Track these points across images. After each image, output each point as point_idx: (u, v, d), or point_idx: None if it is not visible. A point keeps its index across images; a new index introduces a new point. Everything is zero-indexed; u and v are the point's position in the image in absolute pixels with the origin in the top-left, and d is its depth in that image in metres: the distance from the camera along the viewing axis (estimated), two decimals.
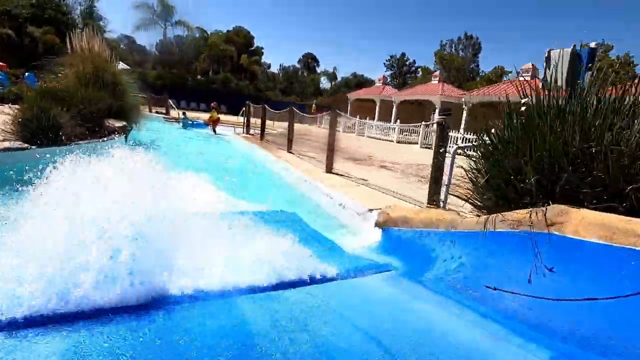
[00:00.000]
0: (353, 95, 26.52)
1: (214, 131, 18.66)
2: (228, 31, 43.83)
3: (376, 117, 23.85)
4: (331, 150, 7.02)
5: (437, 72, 22.11)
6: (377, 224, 4.44)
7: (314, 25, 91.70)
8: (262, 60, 49.31)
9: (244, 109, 14.82)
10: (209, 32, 39.26)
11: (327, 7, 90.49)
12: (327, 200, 5.56)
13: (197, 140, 13.77)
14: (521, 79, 3.37)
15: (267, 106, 12.93)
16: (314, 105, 25.12)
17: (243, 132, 14.74)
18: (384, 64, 57.87)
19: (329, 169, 6.97)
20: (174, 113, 22.53)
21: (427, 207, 4.54)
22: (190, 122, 19.55)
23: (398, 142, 18.58)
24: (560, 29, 63.64)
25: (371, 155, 10.98)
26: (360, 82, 50.58)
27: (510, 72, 27.63)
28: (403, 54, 57.41)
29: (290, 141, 9.77)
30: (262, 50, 47.83)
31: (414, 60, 57.29)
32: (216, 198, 5.54)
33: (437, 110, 19.59)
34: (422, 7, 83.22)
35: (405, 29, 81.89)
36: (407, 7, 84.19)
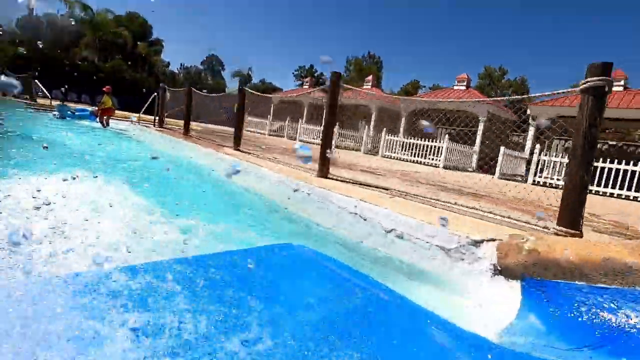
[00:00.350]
0: (277, 96, 24.31)
1: (106, 124, 14.29)
2: (120, 15, 37.11)
3: (304, 120, 22.07)
4: (325, 148, 4.77)
5: (370, 77, 21.47)
6: (501, 269, 2.43)
7: (220, 27, 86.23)
8: (161, 57, 43.29)
9: (154, 95, 11.29)
10: (94, 10, 32.33)
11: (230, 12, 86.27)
12: (362, 226, 3.30)
13: (87, 136, 9.83)
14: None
15: (195, 90, 9.85)
16: (236, 105, 22.02)
17: (154, 126, 11.19)
18: (293, 74, 57.48)
19: (325, 173, 4.70)
20: (44, 102, 16.98)
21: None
22: (71, 111, 14.76)
23: (336, 146, 17.03)
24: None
25: (342, 160, 8.96)
26: (269, 89, 48.69)
27: (425, 86, 29.08)
28: (312, 65, 57.91)
29: (238, 136, 7.13)
30: (163, 43, 41.99)
31: (322, 72, 58.22)
32: (153, 224, 2.85)
33: (373, 115, 18.71)
34: (330, 27, 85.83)
35: (312, 44, 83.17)
36: (315, 24, 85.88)
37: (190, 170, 6.32)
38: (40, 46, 29.80)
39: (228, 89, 51.03)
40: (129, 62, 34.53)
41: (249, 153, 6.67)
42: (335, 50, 71.32)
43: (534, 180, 10.85)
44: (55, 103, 14.47)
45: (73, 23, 31.64)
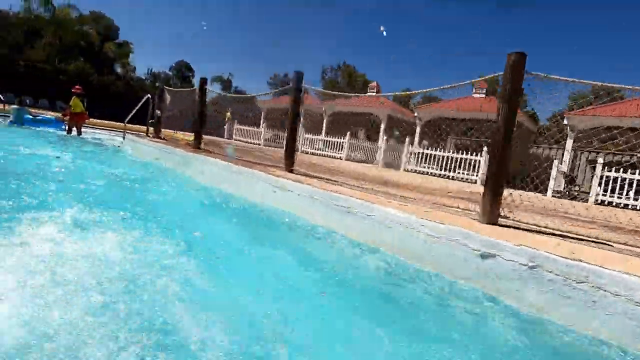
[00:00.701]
0: (265, 104, 22.17)
1: (77, 132, 11.68)
2: (84, 15, 33.58)
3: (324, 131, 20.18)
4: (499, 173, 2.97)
5: (375, 84, 19.98)
6: None
7: (190, 33, 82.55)
8: (129, 61, 39.83)
9: (147, 97, 9.01)
10: (55, 5, 28.84)
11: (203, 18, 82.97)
12: None
13: (59, 147, 7.43)
14: None
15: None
16: (228, 114, 19.77)
17: (148, 137, 8.90)
18: (268, 82, 55.65)
19: (494, 217, 2.90)
20: None
21: None
22: (32, 116, 12.09)
23: (328, 156, 15.47)
24: None
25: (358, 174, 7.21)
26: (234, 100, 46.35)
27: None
28: (286, 74, 56.44)
29: (291, 154, 5.18)
30: (132, 46, 38.64)
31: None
32: None
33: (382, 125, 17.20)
34: (305, 37, 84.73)
35: (286, 52, 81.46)
36: (291, 32, 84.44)
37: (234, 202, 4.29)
38: None
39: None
40: (94, 65, 31.15)
41: (319, 178, 4.75)
42: (307, 59, 70.00)
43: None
44: (11, 107, 11.71)
45: (30, 17, 27.97)
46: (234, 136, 20.05)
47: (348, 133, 15.58)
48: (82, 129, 12.11)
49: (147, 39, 78.42)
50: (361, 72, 43.18)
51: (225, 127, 20.78)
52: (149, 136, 8.79)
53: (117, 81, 32.49)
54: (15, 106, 11.55)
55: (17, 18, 28.79)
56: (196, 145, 7.28)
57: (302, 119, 20.03)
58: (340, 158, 15.36)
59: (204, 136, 7.56)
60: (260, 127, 20.50)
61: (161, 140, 8.12)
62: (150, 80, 48.42)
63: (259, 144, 18.66)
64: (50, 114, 14.51)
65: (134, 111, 9.06)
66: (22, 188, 3.63)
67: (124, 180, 5.18)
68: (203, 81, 7.26)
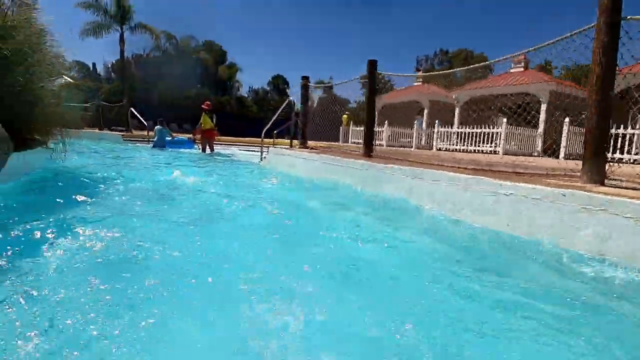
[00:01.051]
0: (382, 100, 19.83)
1: (210, 150, 11.23)
2: (199, 44, 36.48)
3: (424, 122, 17.74)
4: None
5: (522, 56, 16.33)
6: None
7: (284, 49, 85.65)
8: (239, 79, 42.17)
9: (288, 100, 7.65)
10: (178, 39, 31.73)
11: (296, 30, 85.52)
12: None
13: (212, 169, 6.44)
14: None
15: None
16: (345, 115, 18.39)
17: (292, 149, 7.45)
18: (359, 81, 53.14)
19: None
20: (140, 133, 14.91)
21: None
22: (171, 137, 12.19)
23: (477, 151, 12.40)
24: None
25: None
26: (342, 101, 44.93)
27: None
28: (379, 73, 53.31)
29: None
30: (239, 67, 40.75)
31: (389, 80, 53.42)
32: None
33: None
34: (394, 27, 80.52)
35: (375, 47, 78.22)
36: (383, 24, 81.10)
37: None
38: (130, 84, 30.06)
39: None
40: (211, 87, 33.50)
41: None
42: (394, 53, 65.52)
43: None
44: (155, 128, 11.89)
45: (158, 55, 31.44)
46: (350, 139, 18.26)
47: (504, 120, 12.34)
48: (215, 146, 11.72)
49: (243, 59, 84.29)
50: (478, 52, 37.82)
51: (340, 129, 19.19)
52: (293, 148, 7.35)
53: (230, 99, 34.45)
54: (158, 127, 11.65)
55: (149, 58, 32.73)
56: (367, 154, 5.44)
57: (426, 112, 17.42)
58: (496, 152, 12.23)
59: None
60: (455, 125, 18.43)
61: (313, 151, 6.54)
62: (252, 97, 51.06)
63: (381, 144, 16.43)
64: (181, 136, 14.87)
65: (274, 117, 7.78)
66: (219, 221, 2.16)
67: (305, 210, 3.52)
68: (372, 65, 5.37)
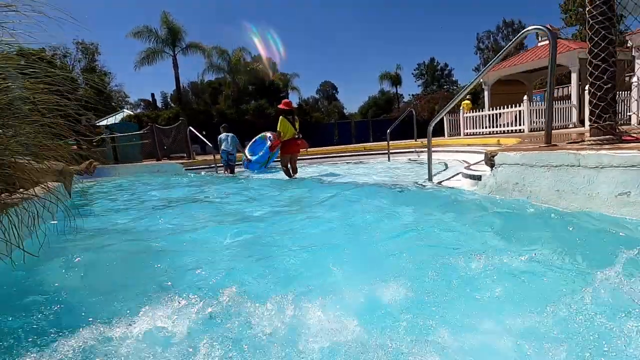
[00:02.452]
0: (491, 77, 14.96)
1: (292, 171, 8.11)
2: (253, 56, 34.78)
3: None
4: None
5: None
6: None
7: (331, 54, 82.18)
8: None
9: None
10: (230, 52, 30.10)
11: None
12: None
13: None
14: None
15: None
16: (465, 103, 14.40)
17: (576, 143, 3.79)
18: (412, 74, 47.95)
19: None
20: (204, 157, 12.49)
21: None
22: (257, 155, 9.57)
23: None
24: None
25: None
26: (389, 98, 40.28)
27: None
28: (432, 59, 47.37)
29: None
30: (296, 73, 38.77)
31: (446, 64, 46.76)
32: None
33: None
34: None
35: (420, 32, 70.99)
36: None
37: None
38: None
39: (345, 109, 44.92)
40: (268, 97, 31.45)
41: None
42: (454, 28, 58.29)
43: None
44: (220, 137, 9.33)
45: (213, 79, 30.62)
46: (463, 129, 14.05)
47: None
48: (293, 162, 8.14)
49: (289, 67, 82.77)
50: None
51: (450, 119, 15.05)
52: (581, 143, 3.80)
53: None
54: (223, 134, 9.18)
55: (204, 83, 31.91)
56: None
57: (574, 77, 11.64)
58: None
59: None
60: (486, 109, 14.05)
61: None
62: (303, 105, 48.57)
63: (522, 130, 11.90)
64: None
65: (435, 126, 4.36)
66: None
67: None
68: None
